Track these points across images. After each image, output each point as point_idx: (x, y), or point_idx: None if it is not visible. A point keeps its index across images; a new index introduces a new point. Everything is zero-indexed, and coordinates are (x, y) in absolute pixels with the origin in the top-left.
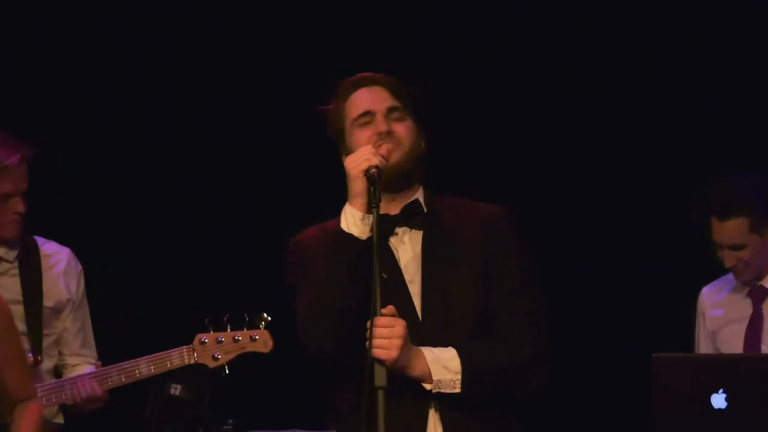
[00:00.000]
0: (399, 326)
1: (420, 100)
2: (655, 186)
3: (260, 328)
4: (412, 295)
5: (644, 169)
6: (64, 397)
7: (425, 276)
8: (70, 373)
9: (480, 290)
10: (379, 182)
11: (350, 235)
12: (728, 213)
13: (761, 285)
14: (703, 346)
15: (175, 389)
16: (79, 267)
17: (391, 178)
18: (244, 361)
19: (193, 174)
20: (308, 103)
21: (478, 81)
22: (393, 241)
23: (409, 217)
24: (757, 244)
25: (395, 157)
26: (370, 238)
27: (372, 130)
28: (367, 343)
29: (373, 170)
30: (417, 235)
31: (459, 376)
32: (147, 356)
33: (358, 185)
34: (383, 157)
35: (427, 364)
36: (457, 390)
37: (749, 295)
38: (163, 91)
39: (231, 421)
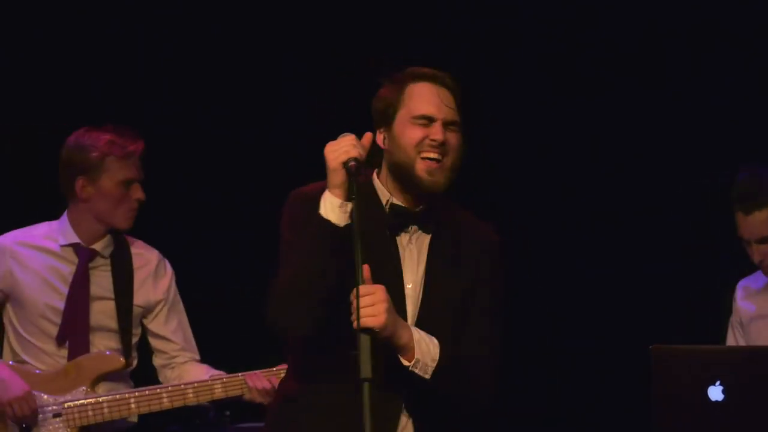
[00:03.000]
0: (380, 291)
1: (468, 106)
2: (655, 186)
3: None
4: (406, 297)
5: (644, 169)
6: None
7: (427, 283)
8: (178, 372)
9: (463, 309)
10: (358, 174)
11: (327, 221)
12: (753, 206)
13: None
14: (736, 336)
15: None
16: (170, 270)
17: (439, 190)
18: (241, 355)
19: (195, 174)
20: (308, 103)
21: (478, 81)
22: (403, 238)
23: (425, 220)
24: None
25: (444, 168)
26: (347, 225)
27: (426, 134)
28: (353, 315)
29: (352, 163)
30: (423, 239)
31: (434, 365)
32: (244, 373)
33: (337, 177)
34: (363, 148)
35: (412, 338)
36: (428, 376)
37: None
38: (163, 91)
39: (228, 412)
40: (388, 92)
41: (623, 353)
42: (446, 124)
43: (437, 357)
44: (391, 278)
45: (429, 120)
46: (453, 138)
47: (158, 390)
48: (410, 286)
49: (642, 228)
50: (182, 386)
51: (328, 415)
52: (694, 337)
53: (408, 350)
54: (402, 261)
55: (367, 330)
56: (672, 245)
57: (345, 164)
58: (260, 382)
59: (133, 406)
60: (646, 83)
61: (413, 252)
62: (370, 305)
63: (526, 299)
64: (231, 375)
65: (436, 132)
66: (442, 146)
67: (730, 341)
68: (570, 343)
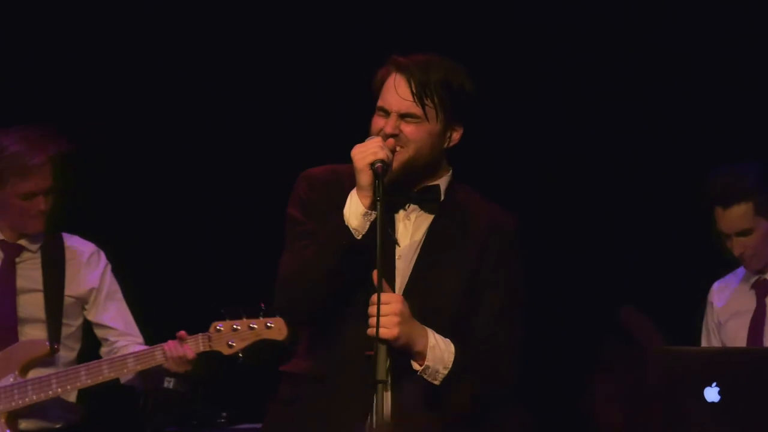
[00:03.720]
0: (395, 302)
1: (455, 92)
2: (653, 185)
3: (276, 316)
4: (396, 270)
5: (643, 168)
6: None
7: (419, 259)
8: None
9: (464, 290)
10: (384, 176)
11: (347, 228)
12: (731, 199)
13: (765, 279)
14: (711, 338)
15: (169, 382)
16: (104, 261)
17: (393, 179)
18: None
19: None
20: (304, 99)
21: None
22: (400, 214)
23: (425, 200)
24: (764, 227)
25: (397, 159)
26: (364, 236)
27: (383, 125)
28: (369, 321)
29: (378, 164)
30: (424, 218)
31: (446, 372)
32: (161, 344)
33: (364, 178)
34: (391, 150)
35: (427, 345)
36: (437, 382)
37: (753, 287)
38: (159, 79)
39: (224, 414)
40: (377, 77)
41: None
42: (402, 116)
43: (450, 364)
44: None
45: (385, 112)
46: (409, 130)
47: (78, 368)
48: (401, 260)
49: (640, 229)
50: (97, 362)
51: (332, 397)
52: (691, 339)
53: (422, 356)
54: (396, 234)
55: (380, 338)
56: (669, 246)
57: (372, 165)
58: (175, 350)
59: (54, 384)
60: (644, 82)
61: (408, 227)
62: (384, 315)
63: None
64: (147, 348)
65: (387, 125)
66: (395, 137)
67: (704, 343)
68: (565, 344)
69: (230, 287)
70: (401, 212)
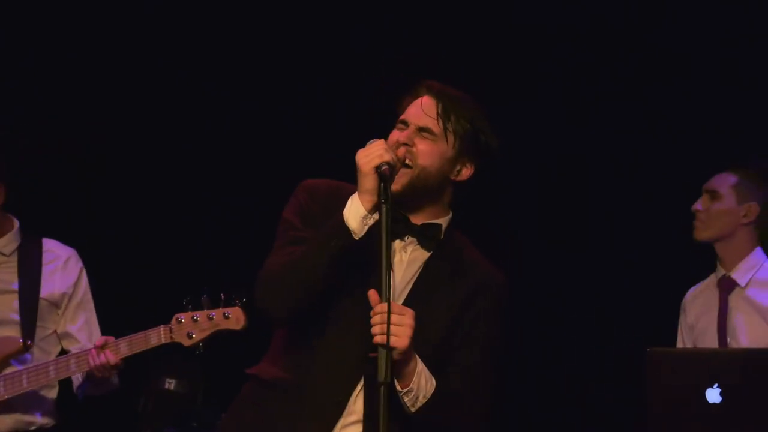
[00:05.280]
0: (409, 315)
1: (477, 131)
2: (653, 185)
3: (235, 306)
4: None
5: (642, 167)
6: (51, 376)
7: (411, 293)
8: None
9: (445, 333)
10: (391, 180)
11: (347, 228)
12: (730, 167)
13: (729, 276)
14: (682, 342)
15: (170, 384)
16: (80, 266)
17: (396, 197)
18: (240, 356)
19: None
20: (304, 99)
21: (474, 83)
22: (397, 244)
23: (425, 236)
24: (730, 205)
25: (404, 174)
26: (362, 239)
27: (398, 136)
28: (374, 328)
29: (385, 167)
30: (420, 254)
31: (424, 401)
32: (126, 336)
33: (368, 181)
34: (396, 154)
35: (416, 369)
36: (413, 409)
37: (718, 285)
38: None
39: (224, 415)
40: (406, 97)
41: (619, 357)
42: (419, 130)
43: (429, 396)
44: (372, 278)
45: (404, 124)
46: (422, 144)
47: (47, 363)
48: (390, 290)
49: (640, 229)
50: (44, 364)
51: (300, 405)
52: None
53: (407, 377)
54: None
55: (387, 347)
56: (670, 246)
57: (378, 168)
58: (95, 358)
59: (24, 380)
60: (642, 82)
61: (403, 258)
62: (398, 325)
63: (521, 302)
64: (84, 351)
65: (403, 134)
66: (405, 146)
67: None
68: (565, 344)
69: (230, 287)
70: (398, 242)
